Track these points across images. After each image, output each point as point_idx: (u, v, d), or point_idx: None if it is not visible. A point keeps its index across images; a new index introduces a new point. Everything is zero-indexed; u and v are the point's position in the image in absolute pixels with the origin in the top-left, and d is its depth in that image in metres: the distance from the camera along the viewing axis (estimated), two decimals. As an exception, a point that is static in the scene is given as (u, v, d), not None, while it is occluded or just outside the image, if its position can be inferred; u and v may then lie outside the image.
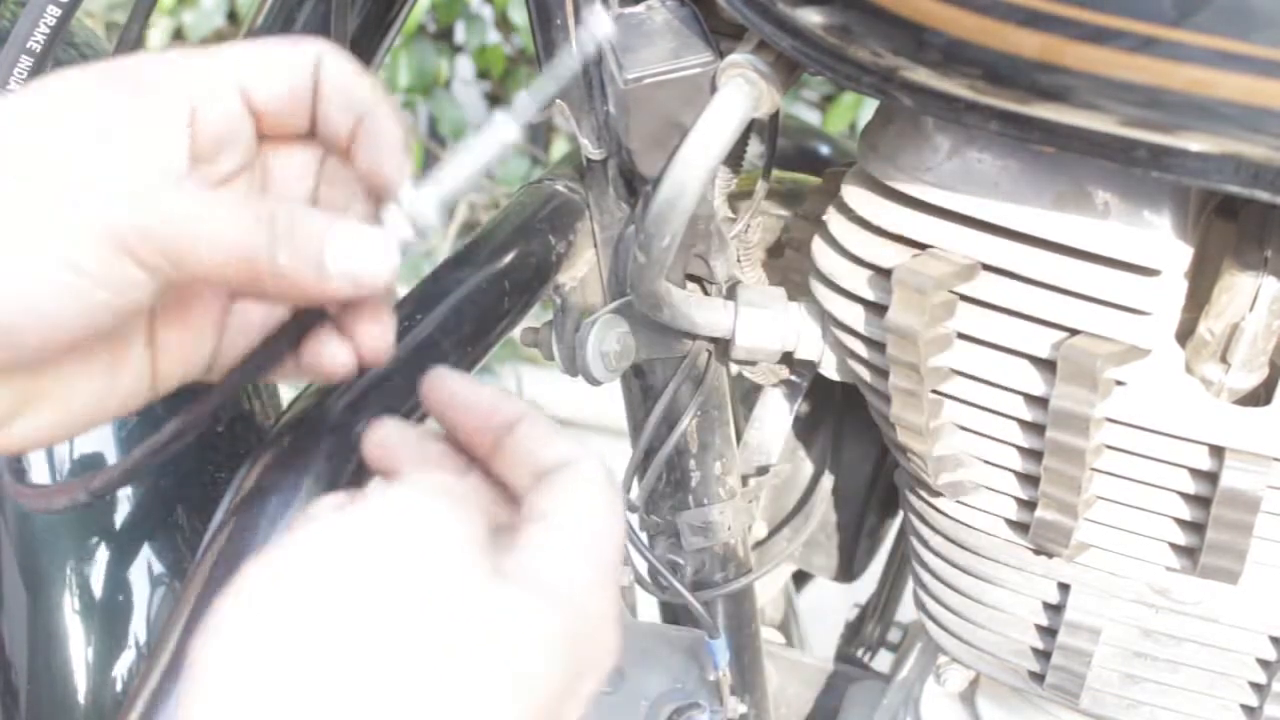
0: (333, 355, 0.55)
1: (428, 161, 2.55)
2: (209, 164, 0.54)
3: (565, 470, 0.50)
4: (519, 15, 2.41)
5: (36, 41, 0.73)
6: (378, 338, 0.55)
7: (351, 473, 0.59)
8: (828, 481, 0.99)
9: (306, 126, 0.56)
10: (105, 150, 0.49)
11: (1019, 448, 0.69)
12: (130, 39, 0.81)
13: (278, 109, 0.55)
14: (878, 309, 0.68)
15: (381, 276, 0.51)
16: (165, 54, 0.54)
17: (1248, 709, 0.73)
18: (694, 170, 0.65)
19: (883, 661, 1.12)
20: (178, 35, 2.57)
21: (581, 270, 0.82)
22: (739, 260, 0.80)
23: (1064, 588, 0.73)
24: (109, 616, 0.91)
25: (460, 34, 2.52)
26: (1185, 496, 0.67)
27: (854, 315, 0.70)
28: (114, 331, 0.52)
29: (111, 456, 0.86)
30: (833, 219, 0.70)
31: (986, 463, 0.71)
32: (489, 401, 0.53)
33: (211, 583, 0.58)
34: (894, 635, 1.15)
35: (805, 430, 1.00)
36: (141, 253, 0.49)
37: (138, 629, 0.92)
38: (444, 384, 0.54)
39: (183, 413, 0.56)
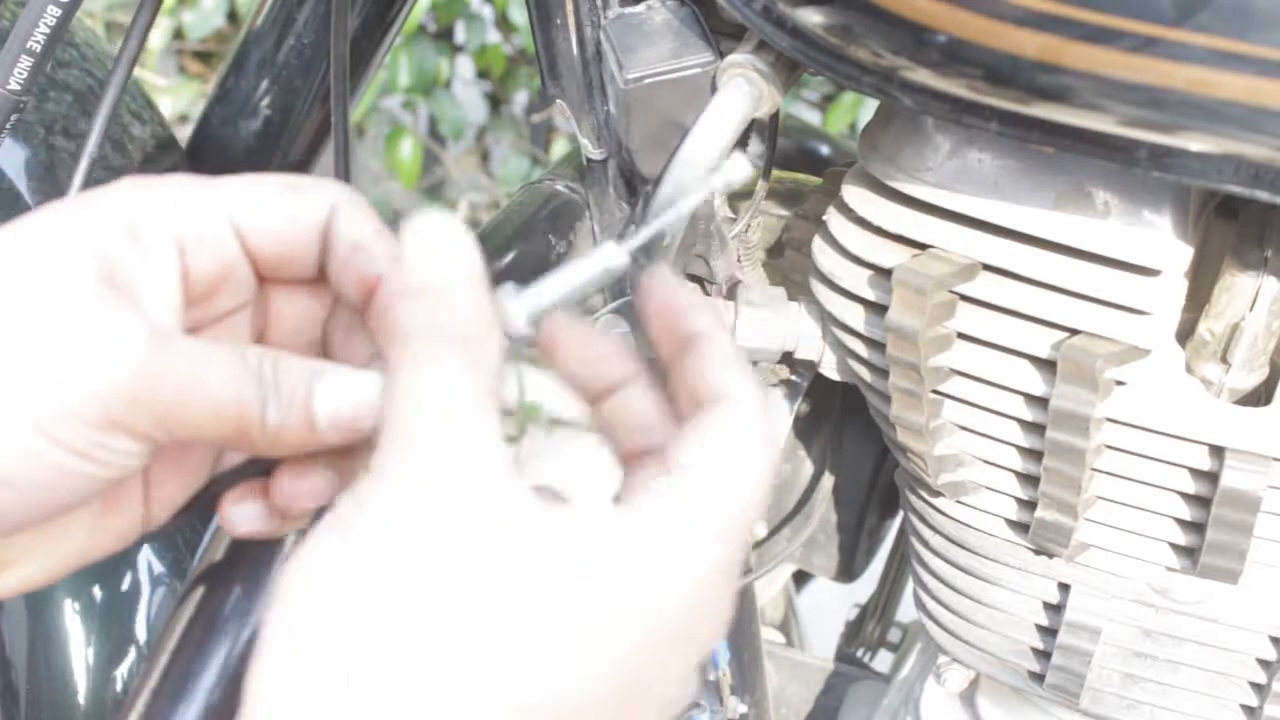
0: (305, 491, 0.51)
1: (428, 162, 2.55)
2: (204, 303, 0.50)
3: (717, 412, 0.46)
4: (519, 15, 2.41)
5: (36, 41, 0.73)
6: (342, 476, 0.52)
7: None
8: (828, 481, 0.99)
9: (312, 274, 0.52)
10: (89, 304, 0.45)
11: (1019, 448, 0.69)
12: (130, 54, 0.81)
13: (276, 255, 0.51)
14: (878, 309, 0.68)
15: (371, 422, 0.48)
16: (161, 184, 0.49)
17: (1248, 709, 0.73)
18: (694, 170, 0.65)
19: (883, 661, 1.12)
20: (178, 35, 2.57)
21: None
22: (739, 260, 0.80)
23: (1064, 588, 0.73)
24: (109, 616, 0.91)
25: (460, 34, 2.52)
26: (1185, 496, 0.67)
27: (854, 315, 0.70)
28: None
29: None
30: (833, 219, 0.70)
31: (986, 463, 0.71)
32: (684, 306, 0.49)
33: (211, 584, 0.58)
34: (894, 635, 1.15)
35: (805, 430, 0.99)
36: (132, 423, 0.45)
37: (138, 629, 0.92)
38: (656, 283, 0.50)
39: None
